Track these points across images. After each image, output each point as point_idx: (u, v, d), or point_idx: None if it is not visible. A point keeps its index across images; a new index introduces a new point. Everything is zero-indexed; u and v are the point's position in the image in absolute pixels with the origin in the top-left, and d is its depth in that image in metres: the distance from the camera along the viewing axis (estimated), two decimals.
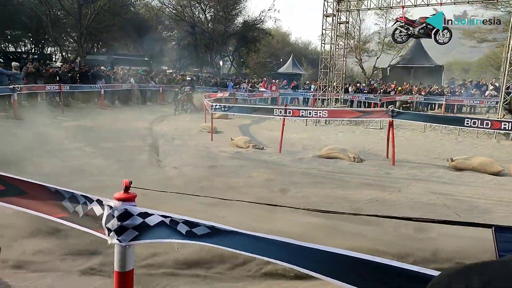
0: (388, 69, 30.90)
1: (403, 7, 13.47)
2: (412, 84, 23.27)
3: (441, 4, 12.62)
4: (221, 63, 34.00)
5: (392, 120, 7.53)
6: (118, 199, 1.87)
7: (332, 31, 14.29)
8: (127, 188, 1.90)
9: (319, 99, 15.37)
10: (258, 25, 32.13)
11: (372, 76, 32.60)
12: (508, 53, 11.75)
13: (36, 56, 21.93)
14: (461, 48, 44.57)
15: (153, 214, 1.84)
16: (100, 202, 1.92)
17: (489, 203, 5.01)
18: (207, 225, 1.76)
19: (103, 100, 15.82)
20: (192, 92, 16.03)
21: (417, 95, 21.06)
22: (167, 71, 28.58)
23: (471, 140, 11.03)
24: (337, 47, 14.76)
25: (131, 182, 1.91)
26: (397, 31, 13.92)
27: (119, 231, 1.85)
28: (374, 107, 18.78)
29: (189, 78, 17.00)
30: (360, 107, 21.42)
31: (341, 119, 12.59)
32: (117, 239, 1.86)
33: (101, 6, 22.82)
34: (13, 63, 13.36)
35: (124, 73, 19.14)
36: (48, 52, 30.16)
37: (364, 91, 22.62)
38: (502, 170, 6.70)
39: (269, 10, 31.30)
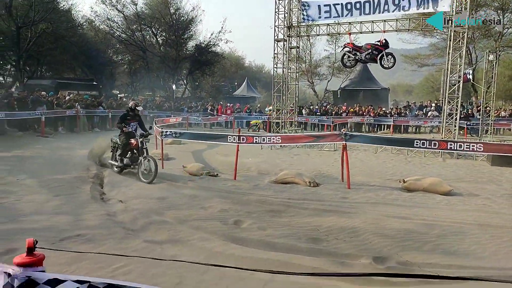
0: (338, 92, 32.13)
1: (349, 33, 14.04)
2: (361, 106, 24.24)
3: (384, 31, 13.30)
4: (174, 86, 33.48)
5: (345, 144, 7.56)
6: (19, 264, 1.47)
7: (284, 55, 14.52)
8: (30, 250, 1.51)
9: (274, 123, 15.37)
10: (211, 48, 32.24)
11: (324, 98, 33.71)
12: (447, 77, 12.53)
13: None
14: (404, 72, 47.83)
15: (66, 281, 1.46)
16: None
17: (445, 225, 5.02)
18: (136, 287, 1.42)
19: (43, 128, 14.72)
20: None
21: (367, 116, 21.91)
22: (119, 95, 27.62)
23: (420, 160, 11.46)
24: (289, 70, 14.99)
25: (36, 241, 1.52)
26: (345, 56, 14.44)
27: None
28: (327, 128, 19.22)
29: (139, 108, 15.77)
30: (314, 129, 21.90)
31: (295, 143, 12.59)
32: None
33: (43, 29, 21.65)
34: None
35: (70, 98, 18.08)
36: None
37: (317, 113, 23.16)
38: (451, 189, 6.89)
39: (219, 32, 31.53)
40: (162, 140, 9.51)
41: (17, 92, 16.55)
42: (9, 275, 1.48)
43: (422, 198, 6.55)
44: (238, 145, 8.21)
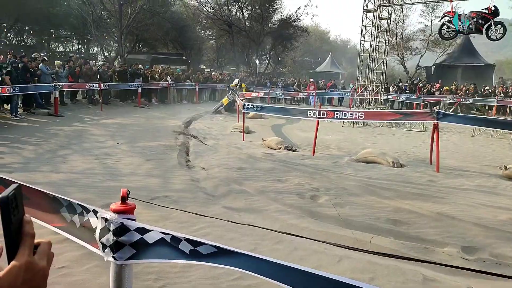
0: (432, 68, 29.26)
1: (451, 0, 12.55)
2: (459, 84, 21.83)
3: None
4: (257, 62, 33.84)
5: (437, 123, 6.93)
6: (114, 211, 1.65)
7: (373, 27, 13.62)
8: (124, 199, 1.68)
9: (357, 99, 14.74)
10: (295, 22, 31.53)
11: (415, 75, 31.04)
12: None
13: (82, 55, 22.92)
14: None
15: (152, 230, 1.60)
16: (96, 213, 1.72)
17: None
18: (212, 244, 1.51)
19: (140, 98, 16.13)
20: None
21: (465, 96, 19.71)
22: (205, 70, 28.89)
23: None
24: (377, 44, 14.06)
25: (129, 191, 1.69)
26: (444, 27, 12.97)
27: (115, 248, 1.64)
28: (416, 108, 17.81)
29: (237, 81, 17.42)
30: (401, 108, 20.45)
31: (379, 121, 11.95)
32: (113, 256, 1.65)
33: (141, 6, 23.36)
34: (56, 62, 13.93)
35: (161, 71, 19.43)
36: (94, 51, 31.60)
37: (406, 91, 21.55)
38: None
39: (306, 6, 30.57)
40: (244, 113, 9.76)
41: (119, 66, 18.26)
42: (106, 220, 1.68)
43: None
44: (318, 121, 8.06)
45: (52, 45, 30.75)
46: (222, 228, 3.83)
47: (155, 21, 26.01)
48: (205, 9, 30.35)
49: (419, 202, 4.91)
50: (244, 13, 32.21)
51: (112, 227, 1.64)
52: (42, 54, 17.18)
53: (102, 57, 26.61)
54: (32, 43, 27.89)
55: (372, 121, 12.03)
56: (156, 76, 18.56)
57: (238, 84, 17.06)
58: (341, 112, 8.07)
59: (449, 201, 4.98)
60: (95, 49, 32.57)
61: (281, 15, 31.97)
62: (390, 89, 21.76)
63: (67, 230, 1.84)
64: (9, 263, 0.64)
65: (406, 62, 32.37)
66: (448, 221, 4.27)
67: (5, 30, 25.32)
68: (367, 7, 13.59)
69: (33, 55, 13.48)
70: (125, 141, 8.63)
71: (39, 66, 12.31)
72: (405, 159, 7.78)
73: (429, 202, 4.93)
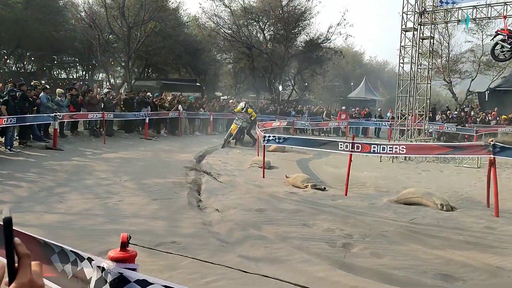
0: (486, 94, 28.93)
1: (504, 17, 12.56)
2: None
3: None
4: (280, 88, 34.39)
5: (494, 158, 6.76)
6: (113, 259, 1.67)
7: (413, 48, 13.71)
8: (124, 245, 1.69)
9: (397, 130, 14.60)
10: (324, 44, 31.90)
11: (466, 102, 30.66)
12: None
13: (87, 82, 23.98)
14: None
15: (154, 284, 1.60)
16: (91, 261, 1.73)
17: None
18: None
19: (147, 129, 16.54)
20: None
21: None
22: (221, 97, 29.52)
23: None
24: (419, 67, 14.09)
25: (130, 236, 1.70)
26: (497, 46, 12.91)
27: None
28: (468, 140, 17.47)
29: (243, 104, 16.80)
30: (450, 141, 20.10)
31: (424, 155, 11.76)
32: None
33: (152, 29, 24.49)
34: (58, 90, 14.58)
35: (171, 99, 19.93)
36: (100, 78, 33.04)
37: (455, 120, 21.27)
38: None
39: (338, 25, 30.68)
40: (264, 146, 9.82)
41: (125, 93, 18.93)
42: (103, 269, 1.69)
43: None
44: (350, 155, 8.01)
45: (54, 72, 32.43)
46: (238, 281, 3.77)
47: (166, 44, 27.10)
48: (222, 31, 31.43)
49: (475, 253, 4.72)
50: (266, 34, 33.13)
51: (109, 278, 1.65)
52: (43, 82, 18.09)
53: (108, 84, 27.72)
54: (32, 70, 29.50)
55: (416, 155, 11.84)
56: (166, 104, 19.09)
57: (244, 109, 15.88)
58: (378, 146, 8.01)
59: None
60: (100, 75, 34.10)
61: (307, 36, 32.61)
62: (436, 118, 21.53)
63: (56, 282, 1.86)
64: (10, 282, 0.78)
65: (455, 87, 32.08)
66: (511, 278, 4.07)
67: (5, 57, 26.93)
68: (405, 26, 13.76)
69: (32, 83, 14.18)
70: (129, 177, 8.78)
71: (40, 95, 12.92)
72: (456, 200, 7.58)
73: (487, 253, 4.73)
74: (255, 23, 32.38)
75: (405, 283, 3.89)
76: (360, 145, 8.01)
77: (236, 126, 15.42)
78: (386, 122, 21.73)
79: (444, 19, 14.95)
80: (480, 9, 13.11)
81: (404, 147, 7.95)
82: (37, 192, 7.18)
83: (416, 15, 13.63)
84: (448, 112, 23.58)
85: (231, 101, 24.73)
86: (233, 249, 4.78)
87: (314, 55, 32.18)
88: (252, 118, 15.89)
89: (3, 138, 11.08)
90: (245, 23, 31.41)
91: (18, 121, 10.93)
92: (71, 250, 1.82)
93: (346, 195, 7.78)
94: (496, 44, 13.02)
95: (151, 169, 9.91)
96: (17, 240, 0.79)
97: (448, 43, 30.40)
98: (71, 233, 4.97)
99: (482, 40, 29.20)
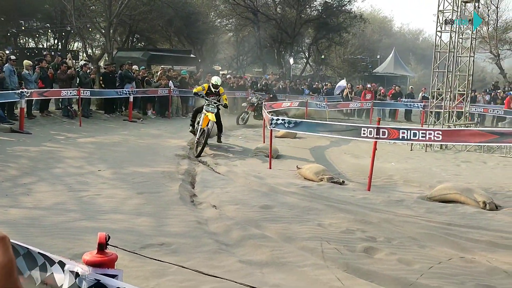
0: None
1: None
2: None
3: None
4: (291, 61, 34.19)
5: None
6: (88, 263, 1.67)
7: (454, 13, 13.56)
8: (101, 247, 1.69)
9: (431, 112, 14.53)
10: (344, 7, 31.61)
11: None
12: None
13: (59, 53, 23.92)
14: None
15: None
16: (63, 266, 1.74)
17: None
18: None
19: (131, 110, 16.54)
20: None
21: None
22: (220, 72, 29.40)
23: None
24: (461, 37, 13.96)
25: (109, 237, 1.70)
26: None
27: None
28: None
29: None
30: (496, 125, 19.99)
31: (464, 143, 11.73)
32: None
33: None
34: (25, 62, 14.55)
35: (161, 73, 19.85)
36: (75, 48, 32.93)
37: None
38: None
39: None
40: (271, 130, 9.81)
41: (105, 66, 18.86)
42: (77, 275, 1.69)
43: None
44: (375, 142, 8.00)
45: (21, 40, 32.35)
46: None
47: (154, 7, 26.88)
48: None
49: None
50: None
51: (84, 286, 1.66)
52: (8, 52, 18.06)
53: (85, 55, 27.63)
54: None
55: (454, 143, 11.80)
56: (154, 80, 19.05)
57: (216, 87, 11.62)
58: (408, 131, 7.98)
59: None
60: (76, 45, 33.94)
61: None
62: (480, 98, 21.39)
63: None
64: None
65: (503, 61, 31.83)
66: None
67: None
68: None
69: None
70: (109, 167, 8.83)
71: (4, 67, 12.92)
72: (503, 198, 7.60)
73: None
74: None
75: None
76: (386, 131, 7.99)
77: (212, 116, 11.07)
78: (418, 103, 21.58)
79: None
80: None
81: (440, 133, 7.94)
82: (0, 182, 7.23)
83: None
84: (495, 91, 23.34)
85: (228, 76, 24.43)
86: (233, 252, 4.82)
87: (333, 22, 31.92)
88: (224, 102, 11.82)
89: None
90: None
91: None
92: (39, 252, 1.82)
93: (369, 190, 7.82)
94: None
95: (135, 157, 9.96)
96: None
97: (497, 7, 30.00)
98: (39, 231, 5.02)
99: None
